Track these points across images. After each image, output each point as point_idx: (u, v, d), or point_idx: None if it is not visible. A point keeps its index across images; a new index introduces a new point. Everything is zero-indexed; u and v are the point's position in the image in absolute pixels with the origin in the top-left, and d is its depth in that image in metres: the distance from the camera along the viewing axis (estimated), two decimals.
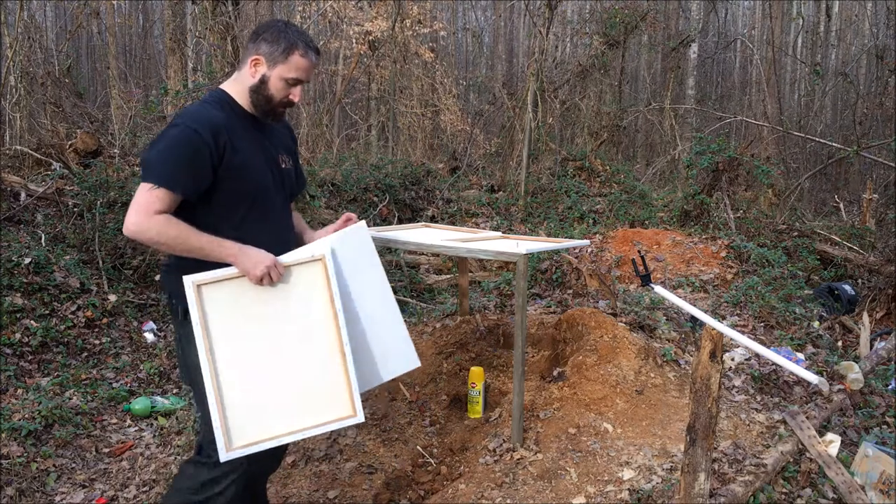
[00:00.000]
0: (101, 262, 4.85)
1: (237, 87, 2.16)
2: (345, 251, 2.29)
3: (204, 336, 2.07)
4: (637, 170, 11.12)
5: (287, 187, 2.29)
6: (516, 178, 8.52)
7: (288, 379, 2.16)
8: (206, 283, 2.07)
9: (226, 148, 2.05)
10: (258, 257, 2.07)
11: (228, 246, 2.05)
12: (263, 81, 2.11)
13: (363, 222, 2.39)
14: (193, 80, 8.02)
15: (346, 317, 2.24)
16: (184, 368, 2.27)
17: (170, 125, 2.07)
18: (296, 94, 2.17)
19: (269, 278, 2.09)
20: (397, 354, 2.38)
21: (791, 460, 2.78)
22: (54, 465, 3.10)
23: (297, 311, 2.17)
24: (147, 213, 1.97)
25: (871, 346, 4.09)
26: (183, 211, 2.04)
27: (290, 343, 2.17)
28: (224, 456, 2.07)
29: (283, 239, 2.26)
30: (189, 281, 2.05)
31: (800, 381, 3.44)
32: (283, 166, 2.28)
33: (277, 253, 2.16)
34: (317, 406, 2.18)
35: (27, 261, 4.38)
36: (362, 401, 2.21)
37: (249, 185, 2.13)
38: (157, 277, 1.95)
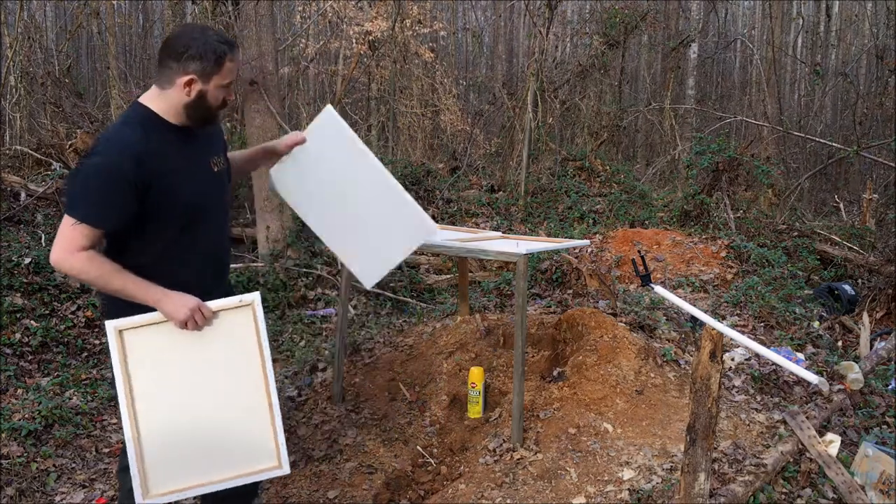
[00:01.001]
0: None
1: (162, 104, 2.08)
2: (320, 142, 2.26)
3: (124, 381, 2.03)
4: (637, 170, 11.12)
5: (222, 190, 2.25)
6: (516, 178, 8.52)
7: (211, 428, 2.11)
8: (127, 329, 2.03)
9: (151, 174, 1.99)
10: (181, 301, 2.03)
11: (152, 290, 2.01)
12: (202, 96, 2.06)
13: (329, 107, 2.33)
14: None
15: (336, 207, 2.24)
16: None
17: (91, 153, 1.99)
18: (230, 94, 2.14)
19: (193, 322, 2.04)
20: (406, 227, 2.25)
21: (791, 460, 2.78)
22: (54, 465, 3.10)
23: (223, 359, 2.11)
24: (70, 250, 1.93)
25: (871, 346, 4.09)
26: (114, 234, 2.02)
27: (216, 391, 2.11)
28: (139, 501, 2.03)
29: (219, 246, 2.26)
30: (111, 326, 2.01)
31: (800, 381, 3.44)
32: (216, 169, 2.23)
33: (216, 262, 2.17)
34: (240, 456, 2.13)
35: (27, 261, 4.38)
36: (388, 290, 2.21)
37: (179, 205, 2.07)
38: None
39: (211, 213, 2.19)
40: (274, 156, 2.41)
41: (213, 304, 2.09)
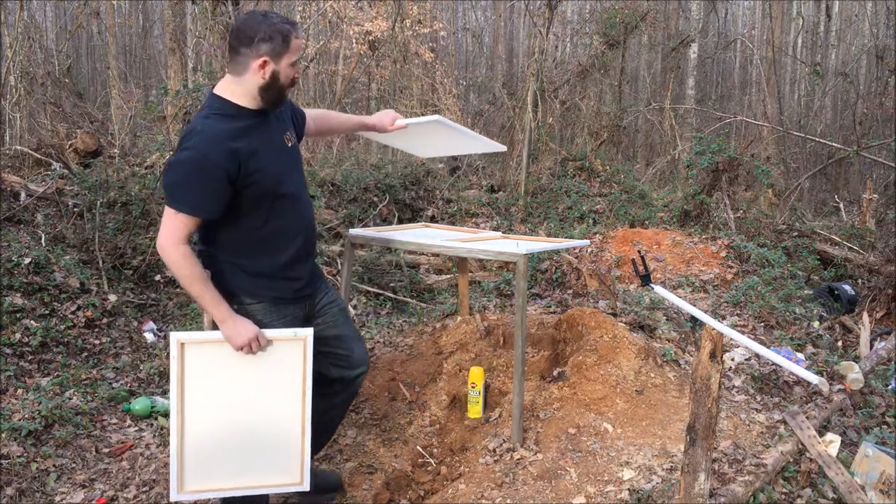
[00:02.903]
0: (101, 262, 4.85)
1: (238, 89, 2.20)
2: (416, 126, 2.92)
3: (178, 389, 2.22)
4: (637, 170, 11.11)
5: (298, 164, 2.42)
6: (516, 178, 8.51)
7: (247, 439, 2.32)
8: (189, 343, 2.22)
9: (240, 162, 2.13)
10: (243, 327, 2.19)
11: (221, 309, 2.17)
12: (275, 77, 2.19)
13: (437, 116, 2.94)
14: (193, 80, 8.02)
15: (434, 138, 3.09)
16: None
17: (183, 148, 2.13)
18: (297, 71, 2.28)
19: (249, 349, 2.21)
20: (481, 144, 3.27)
21: (791, 460, 2.78)
22: (54, 465, 3.10)
23: (269, 381, 2.31)
24: (173, 242, 2.10)
25: (871, 346, 4.09)
26: (207, 224, 2.17)
27: (257, 408, 2.31)
28: (174, 496, 2.24)
29: (305, 218, 2.40)
30: (174, 338, 2.19)
31: (800, 381, 3.44)
32: (290, 144, 2.36)
33: (306, 239, 2.36)
34: (267, 468, 2.35)
35: (27, 261, 4.38)
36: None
37: (267, 184, 2.21)
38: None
39: (294, 190, 2.33)
40: (371, 130, 2.87)
41: (270, 334, 2.27)
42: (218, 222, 2.18)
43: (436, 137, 3.17)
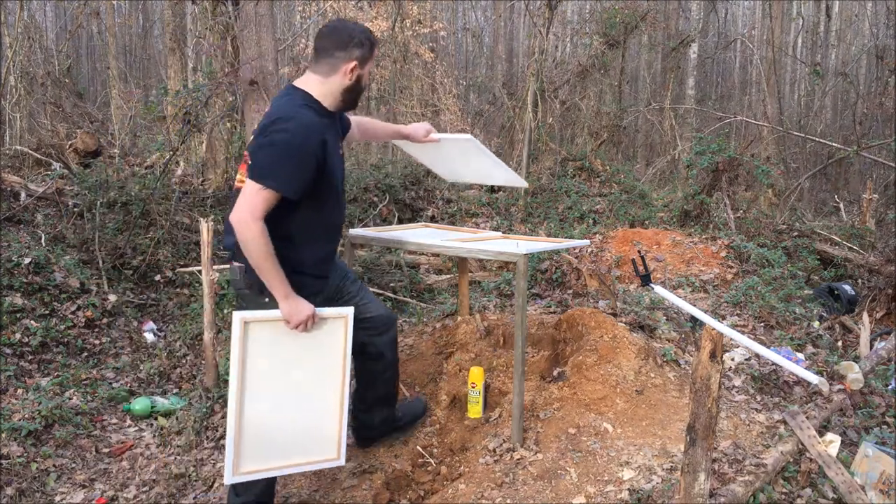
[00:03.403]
0: (101, 262, 4.85)
1: (323, 89, 2.36)
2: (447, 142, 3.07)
3: (239, 370, 2.26)
4: (637, 170, 11.11)
5: (344, 169, 2.60)
6: None
7: (296, 418, 2.39)
8: (252, 321, 2.29)
9: (325, 155, 2.31)
10: (303, 306, 2.32)
11: (284, 287, 2.27)
12: (359, 80, 2.40)
13: (470, 136, 3.05)
14: (193, 80, 8.02)
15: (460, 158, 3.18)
16: None
17: (279, 129, 2.25)
18: (369, 78, 2.51)
19: (304, 327, 2.33)
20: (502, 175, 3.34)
21: (791, 460, 2.78)
22: (54, 465, 3.10)
23: (315, 357, 2.41)
24: (254, 216, 2.20)
25: (871, 346, 4.09)
26: (274, 208, 2.25)
27: (305, 385, 2.40)
28: (229, 479, 2.28)
29: (343, 218, 2.61)
30: (238, 317, 2.25)
31: (800, 381, 3.44)
32: (341, 152, 2.54)
33: (339, 233, 2.56)
34: (311, 446, 2.43)
35: (27, 261, 4.38)
36: None
37: (334, 180, 2.41)
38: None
39: (342, 191, 2.54)
40: (405, 139, 3.06)
41: (320, 311, 2.39)
42: (282, 208, 2.26)
43: (463, 160, 3.26)
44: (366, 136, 2.96)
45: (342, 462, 2.49)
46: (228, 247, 2.41)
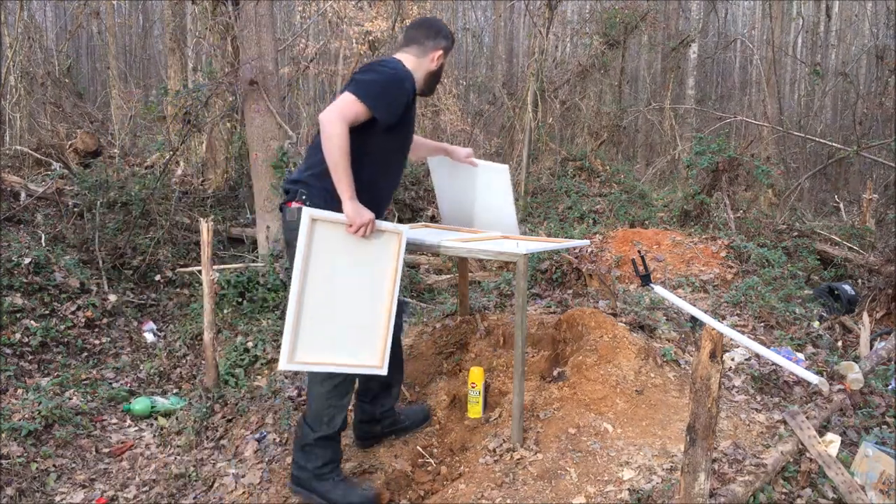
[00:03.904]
0: (101, 262, 4.85)
1: (415, 67, 2.64)
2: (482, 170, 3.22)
3: (303, 263, 2.42)
4: (637, 170, 11.12)
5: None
6: (516, 178, 8.51)
7: (349, 318, 2.54)
8: (319, 220, 2.45)
9: (411, 103, 2.58)
10: (363, 211, 2.48)
11: (351, 189, 2.44)
12: (441, 68, 2.74)
13: (506, 167, 3.24)
14: (193, 80, 8.02)
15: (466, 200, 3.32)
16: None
17: (384, 65, 2.58)
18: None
19: (363, 231, 2.49)
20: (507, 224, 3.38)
21: (791, 460, 2.78)
22: (54, 465, 3.10)
23: (370, 266, 2.58)
24: (342, 116, 2.39)
25: (871, 346, 4.09)
26: (360, 127, 2.45)
27: (358, 290, 2.56)
28: (283, 366, 2.42)
29: (399, 180, 2.83)
30: (307, 214, 2.41)
31: (800, 381, 3.44)
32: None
33: (390, 193, 2.78)
34: (358, 349, 2.57)
35: (27, 261, 4.38)
36: None
37: (407, 132, 2.68)
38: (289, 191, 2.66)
39: (405, 154, 2.79)
40: (445, 155, 3.27)
41: (379, 223, 2.57)
42: (361, 132, 2.44)
43: (482, 195, 3.36)
44: (414, 150, 3.04)
45: (384, 372, 2.62)
46: (293, 180, 2.61)
